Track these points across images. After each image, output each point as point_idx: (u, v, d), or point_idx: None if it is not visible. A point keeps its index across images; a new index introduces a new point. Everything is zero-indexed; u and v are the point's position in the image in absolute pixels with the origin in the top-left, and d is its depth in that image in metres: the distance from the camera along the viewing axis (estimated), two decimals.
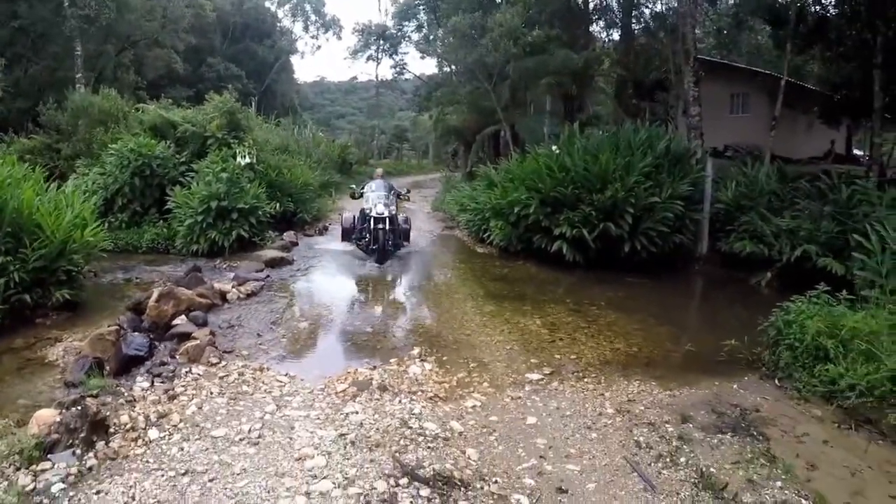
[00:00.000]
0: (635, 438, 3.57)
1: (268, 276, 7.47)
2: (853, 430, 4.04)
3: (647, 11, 18.59)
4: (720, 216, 9.73)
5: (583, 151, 9.53)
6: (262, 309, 6.07)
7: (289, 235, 10.25)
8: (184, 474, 2.89)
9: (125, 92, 15.58)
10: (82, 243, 6.42)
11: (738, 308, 7.64)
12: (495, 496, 2.80)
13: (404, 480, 2.81)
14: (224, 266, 8.31)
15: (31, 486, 2.92)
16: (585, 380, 4.50)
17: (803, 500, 3.14)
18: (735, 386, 4.73)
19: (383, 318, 6.17)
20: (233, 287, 6.50)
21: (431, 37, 26.50)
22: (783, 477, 3.34)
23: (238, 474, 2.88)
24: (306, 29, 46.23)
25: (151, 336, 5.20)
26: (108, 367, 4.50)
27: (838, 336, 4.76)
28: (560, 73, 13.62)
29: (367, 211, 8.78)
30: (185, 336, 5.03)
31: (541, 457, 3.24)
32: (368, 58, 33.80)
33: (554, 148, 10.01)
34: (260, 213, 9.62)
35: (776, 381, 4.85)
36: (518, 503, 2.76)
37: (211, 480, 2.83)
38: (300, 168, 13.00)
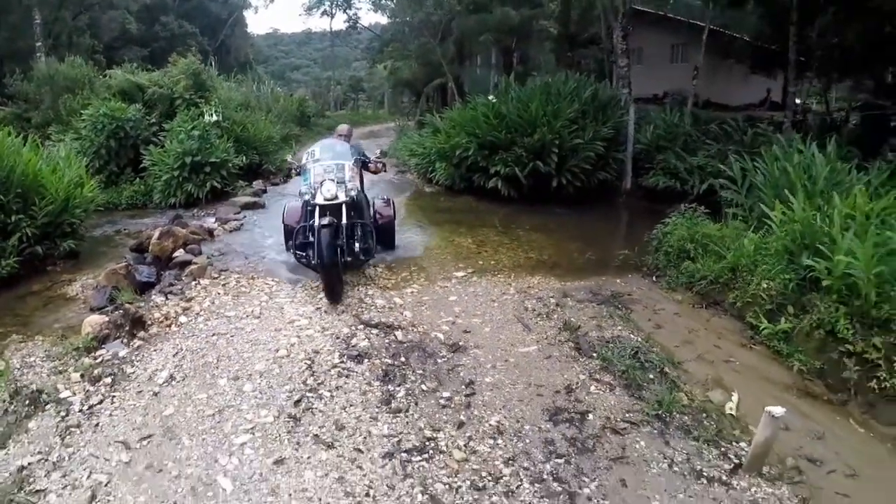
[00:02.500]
0: (525, 306, 5.10)
1: (245, 216, 8.71)
2: (703, 309, 5.49)
3: None
4: (642, 155, 11.17)
5: (516, 100, 10.79)
6: (246, 240, 7.34)
7: (257, 184, 11.29)
8: (212, 335, 4.30)
9: (82, 56, 15.92)
10: (82, 199, 7.25)
11: (647, 231, 9.17)
12: (421, 332, 4.35)
13: (360, 327, 4.32)
14: (202, 214, 9.28)
15: (98, 360, 4.15)
16: (498, 276, 5.99)
17: (632, 336, 4.67)
18: (618, 280, 6.17)
19: None
20: (218, 225, 7.77)
21: None
22: (623, 325, 4.89)
23: (249, 332, 4.33)
24: None
25: (156, 268, 6.44)
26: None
27: (697, 241, 6.33)
28: (499, 30, 14.74)
29: (307, 196, 5.26)
30: (186, 263, 6.17)
31: (455, 316, 4.78)
32: (323, 13, 33.80)
33: (491, 97, 11.28)
34: (230, 165, 10.48)
35: (653, 278, 6.30)
36: (436, 337, 4.30)
37: (232, 336, 4.26)
38: (262, 123, 13.76)
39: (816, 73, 14.44)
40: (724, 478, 3.06)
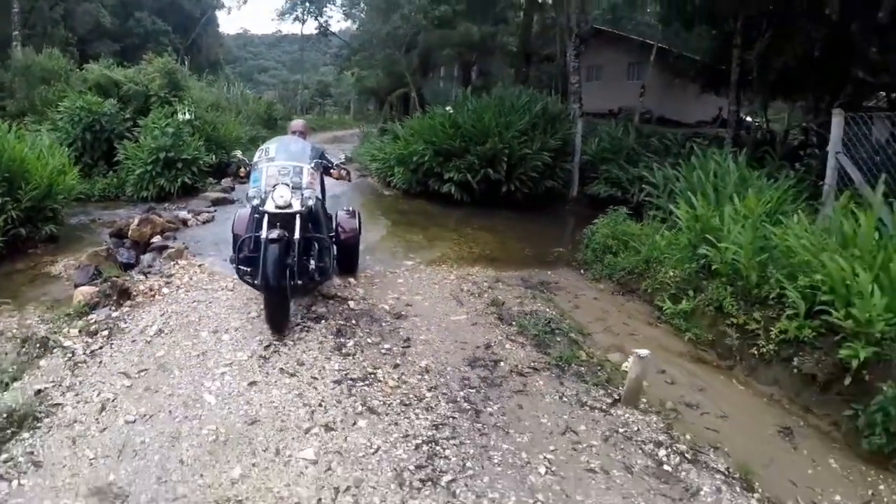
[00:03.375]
0: (461, 288, 5.99)
1: (216, 209, 9.39)
2: (620, 295, 6.37)
3: None
4: (588, 166, 12.22)
5: (472, 112, 11.72)
6: (217, 230, 7.98)
7: (226, 182, 11.86)
8: (193, 302, 5.07)
9: (57, 48, 16.24)
10: (65, 186, 7.82)
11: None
12: (370, 304, 5.23)
13: (320, 298, 5.17)
14: (174, 207, 9.76)
15: (92, 320, 4.80)
16: (443, 265, 6.86)
17: (548, 310, 5.58)
18: (549, 272, 7.04)
19: None
20: (192, 217, 8.45)
21: None
22: (543, 303, 5.80)
23: (225, 300, 5.12)
24: None
25: (135, 252, 7.07)
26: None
27: (618, 238, 7.30)
28: (461, 45, 15.76)
29: (255, 202, 4.51)
30: (163, 248, 6.85)
31: (401, 294, 5.66)
32: (295, 19, 34.60)
33: (448, 108, 12.22)
34: (200, 162, 11.04)
35: (581, 271, 7.18)
36: (382, 307, 5.18)
37: (210, 303, 5.04)
38: (232, 124, 14.41)
39: (756, 93, 15.80)
40: (603, 408, 3.88)
